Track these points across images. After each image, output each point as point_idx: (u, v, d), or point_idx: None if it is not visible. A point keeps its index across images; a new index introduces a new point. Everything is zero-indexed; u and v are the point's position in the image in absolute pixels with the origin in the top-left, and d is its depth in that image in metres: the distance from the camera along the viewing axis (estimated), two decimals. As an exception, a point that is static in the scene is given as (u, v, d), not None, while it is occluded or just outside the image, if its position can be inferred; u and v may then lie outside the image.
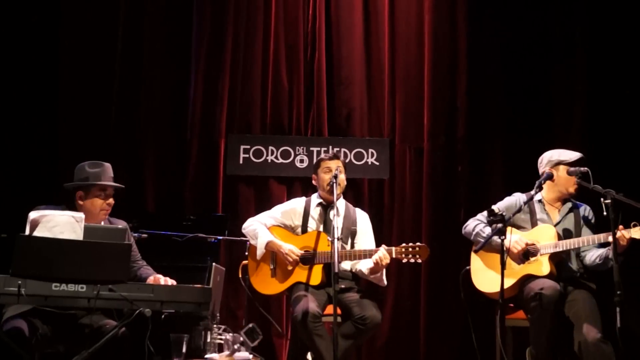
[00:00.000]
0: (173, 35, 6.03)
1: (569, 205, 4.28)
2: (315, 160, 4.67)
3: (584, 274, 4.17)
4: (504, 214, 3.90)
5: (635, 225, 3.87)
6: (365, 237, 4.50)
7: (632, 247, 3.91)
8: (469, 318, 4.27)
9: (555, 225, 4.20)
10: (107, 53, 5.93)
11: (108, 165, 3.96)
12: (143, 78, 5.96)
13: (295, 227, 4.50)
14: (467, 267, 4.32)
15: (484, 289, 4.23)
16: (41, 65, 5.87)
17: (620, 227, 3.86)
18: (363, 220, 4.56)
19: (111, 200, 3.92)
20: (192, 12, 6.03)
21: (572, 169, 4.15)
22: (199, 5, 6.04)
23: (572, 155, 4.23)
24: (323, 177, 4.45)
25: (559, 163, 4.23)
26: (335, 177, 4.29)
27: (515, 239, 4.08)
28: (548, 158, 4.28)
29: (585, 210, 4.27)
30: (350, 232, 4.46)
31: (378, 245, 4.35)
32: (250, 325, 4.43)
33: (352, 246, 4.44)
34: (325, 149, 5.80)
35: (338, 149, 5.82)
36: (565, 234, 4.18)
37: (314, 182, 4.57)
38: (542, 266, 4.06)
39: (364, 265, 4.33)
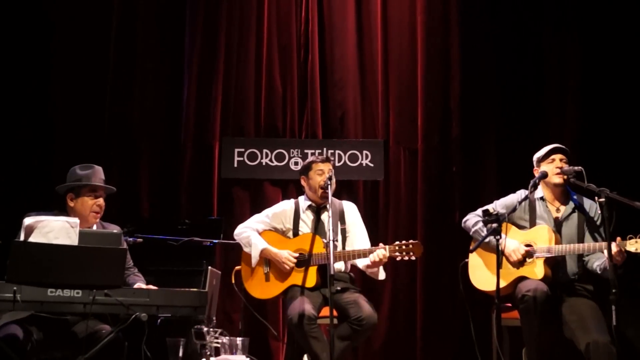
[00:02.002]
0: (166, 38, 6.03)
1: (572, 204, 4.22)
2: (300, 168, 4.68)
3: (583, 277, 4.15)
4: (498, 213, 3.90)
5: (631, 238, 3.83)
6: (355, 228, 4.49)
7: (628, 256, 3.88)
8: (468, 311, 4.24)
9: (555, 225, 4.18)
10: (100, 56, 5.91)
11: (99, 168, 3.98)
12: (136, 82, 5.95)
13: (286, 230, 4.49)
14: (466, 260, 4.32)
15: (480, 286, 4.22)
16: (33, 70, 5.85)
17: (618, 238, 3.84)
18: (351, 213, 4.54)
19: (101, 201, 3.92)
20: (184, 15, 6.02)
21: (565, 168, 4.15)
22: (192, 8, 6.03)
23: (546, 148, 4.24)
24: (316, 179, 4.45)
25: (538, 161, 4.27)
26: (330, 178, 4.30)
27: (513, 247, 4.07)
28: (534, 159, 4.32)
29: (591, 209, 4.19)
30: (340, 230, 4.45)
31: (372, 243, 4.36)
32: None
33: (344, 242, 4.43)
34: (320, 151, 5.80)
35: (332, 150, 5.83)
36: (567, 236, 4.15)
37: (302, 183, 4.56)
38: (536, 269, 4.04)
39: (360, 262, 4.33)
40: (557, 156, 4.19)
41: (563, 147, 4.24)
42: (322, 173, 4.43)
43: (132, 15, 6.00)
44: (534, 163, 4.31)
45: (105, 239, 3.40)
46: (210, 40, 5.99)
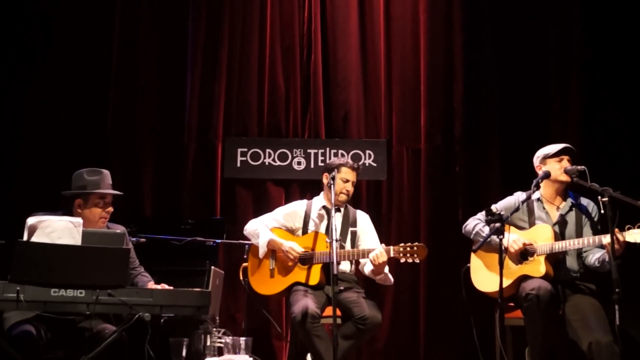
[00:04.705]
0: (169, 39, 6.03)
1: (570, 202, 4.24)
2: (327, 162, 4.75)
3: (584, 274, 4.15)
4: (502, 213, 3.90)
5: (629, 228, 3.83)
6: (367, 235, 4.50)
7: (630, 252, 3.87)
8: (470, 316, 4.26)
9: (554, 224, 4.19)
10: (103, 57, 5.93)
11: (106, 173, 3.93)
12: (139, 82, 5.95)
13: (296, 229, 4.51)
14: (468, 265, 4.32)
15: (482, 288, 4.22)
16: (36, 69, 5.86)
17: (616, 230, 3.82)
18: (363, 221, 4.56)
19: (110, 208, 3.90)
20: (187, 15, 6.03)
21: (569, 167, 4.15)
22: (195, 8, 6.04)
23: (556, 146, 4.24)
24: (339, 185, 4.43)
25: (545, 157, 4.26)
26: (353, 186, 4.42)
27: (513, 238, 4.07)
28: (536, 156, 4.32)
29: (589, 206, 4.22)
30: (350, 233, 4.46)
31: (380, 245, 4.37)
32: None
33: (353, 245, 4.45)
34: (322, 150, 5.81)
35: (335, 150, 5.83)
36: (565, 234, 4.16)
37: (324, 179, 4.53)
38: (538, 267, 4.04)
39: (368, 267, 4.34)
40: (566, 157, 4.20)
41: (573, 147, 4.24)
42: (346, 180, 4.44)
43: (135, 14, 6.01)
44: (538, 159, 4.30)
45: (108, 239, 3.40)
46: (213, 40, 5.99)
